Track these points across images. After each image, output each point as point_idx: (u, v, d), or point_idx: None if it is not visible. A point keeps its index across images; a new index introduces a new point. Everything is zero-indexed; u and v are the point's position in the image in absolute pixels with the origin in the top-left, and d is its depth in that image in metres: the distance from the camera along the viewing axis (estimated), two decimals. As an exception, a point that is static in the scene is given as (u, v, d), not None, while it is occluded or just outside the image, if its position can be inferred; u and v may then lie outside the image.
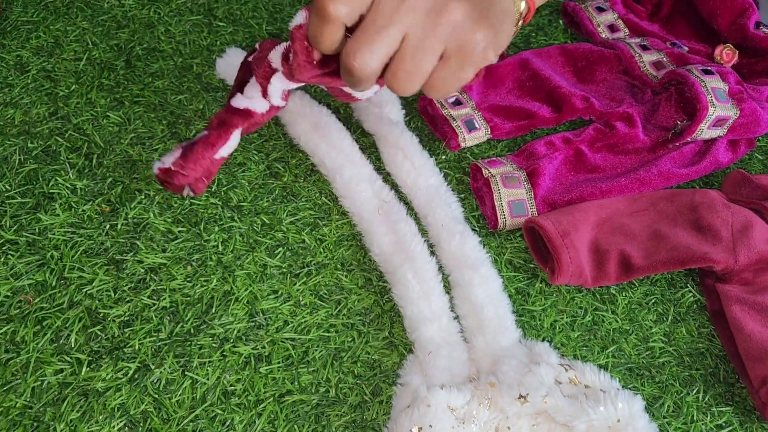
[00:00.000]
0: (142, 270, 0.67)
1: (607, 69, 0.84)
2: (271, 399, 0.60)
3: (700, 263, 0.67)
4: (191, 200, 0.72)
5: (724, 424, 0.61)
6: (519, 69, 0.83)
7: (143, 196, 0.72)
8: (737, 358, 0.64)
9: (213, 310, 0.65)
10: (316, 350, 0.63)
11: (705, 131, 0.75)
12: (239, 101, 0.68)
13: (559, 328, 0.66)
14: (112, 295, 0.65)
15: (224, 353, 0.62)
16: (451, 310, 0.65)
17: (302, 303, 0.66)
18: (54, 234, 0.68)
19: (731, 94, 0.75)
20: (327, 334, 0.64)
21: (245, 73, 0.69)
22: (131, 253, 0.67)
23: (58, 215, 0.69)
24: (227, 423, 0.59)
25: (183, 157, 0.66)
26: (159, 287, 0.66)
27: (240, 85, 0.69)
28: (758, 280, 0.67)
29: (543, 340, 0.65)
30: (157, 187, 0.72)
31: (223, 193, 0.73)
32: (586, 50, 0.84)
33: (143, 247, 0.68)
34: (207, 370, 0.61)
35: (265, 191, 0.73)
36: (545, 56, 0.83)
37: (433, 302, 0.64)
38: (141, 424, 0.58)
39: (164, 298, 0.65)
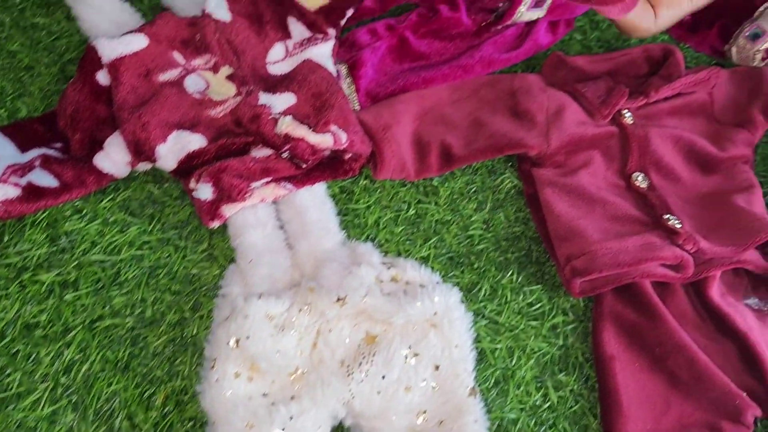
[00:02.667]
0: None
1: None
2: (81, 327, 0.57)
3: (515, 149, 0.68)
4: (-31, 114, 0.63)
5: (534, 301, 0.65)
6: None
7: None
8: (548, 239, 0.67)
9: (6, 238, 0.59)
10: (129, 270, 0.60)
11: (525, 13, 0.74)
12: (103, 162, 0.59)
13: (383, 224, 0.66)
14: None
15: (23, 283, 0.57)
16: (277, 219, 0.64)
17: (111, 221, 0.62)
18: None
19: (549, -26, 0.74)
20: (140, 252, 0.61)
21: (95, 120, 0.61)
22: None
23: None
24: (32, 357, 0.55)
25: (20, 202, 0.56)
26: (-62, 217, 0.58)
27: (93, 135, 0.61)
28: (569, 162, 0.70)
29: (367, 237, 0.65)
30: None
31: (9, 103, 0.65)
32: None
33: None
34: (4, 303, 0.57)
35: (58, 99, 0.66)
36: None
37: (259, 209, 0.62)
38: (-69, 370, 0.53)
39: (-55, 230, 0.58)
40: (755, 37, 0.75)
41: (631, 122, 0.71)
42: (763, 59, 0.76)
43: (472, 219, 0.68)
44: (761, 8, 0.75)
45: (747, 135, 0.71)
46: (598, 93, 0.72)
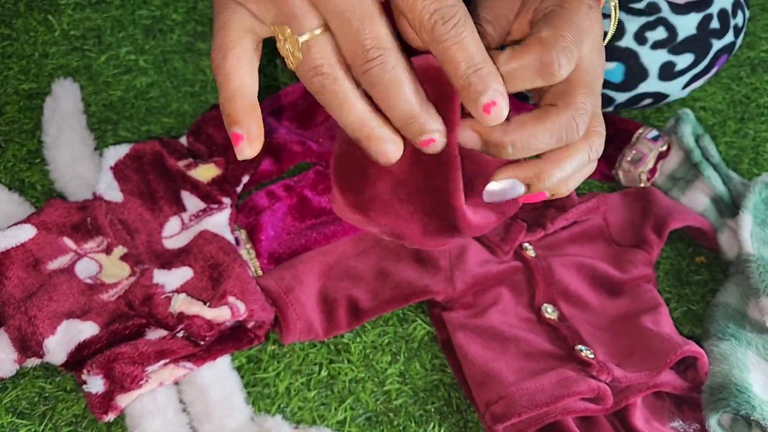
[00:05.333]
0: None
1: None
2: None
3: (421, 297, 0.68)
4: None
5: (460, 454, 0.62)
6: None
7: None
8: (466, 385, 0.66)
9: None
10: (15, 482, 0.55)
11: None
12: None
13: (295, 390, 0.64)
14: None
15: None
16: (180, 401, 0.60)
17: (-4, 427, 0.57)
18: None
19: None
20: (29, 459, 0.56)
21: None
22: None
23: None
24: None
25: None
26: None
27: None
28: (479, 302, 0.70)
29: (278, 408, 0.62)
30: None
31: None
32: (301, 91, 0.83)
33: None
34: None
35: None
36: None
37: (158, 393, 0.59)
38: None
39: None
40: (637, 160, 0.79)
41: (533, 255, 0.73)
42: (648, 179, 0.80)
43: (388, 372, 0.66)
44: (636, 134, 0.80)
45: (645, 255, 0.73)
46: (497, 230, 0.74)
